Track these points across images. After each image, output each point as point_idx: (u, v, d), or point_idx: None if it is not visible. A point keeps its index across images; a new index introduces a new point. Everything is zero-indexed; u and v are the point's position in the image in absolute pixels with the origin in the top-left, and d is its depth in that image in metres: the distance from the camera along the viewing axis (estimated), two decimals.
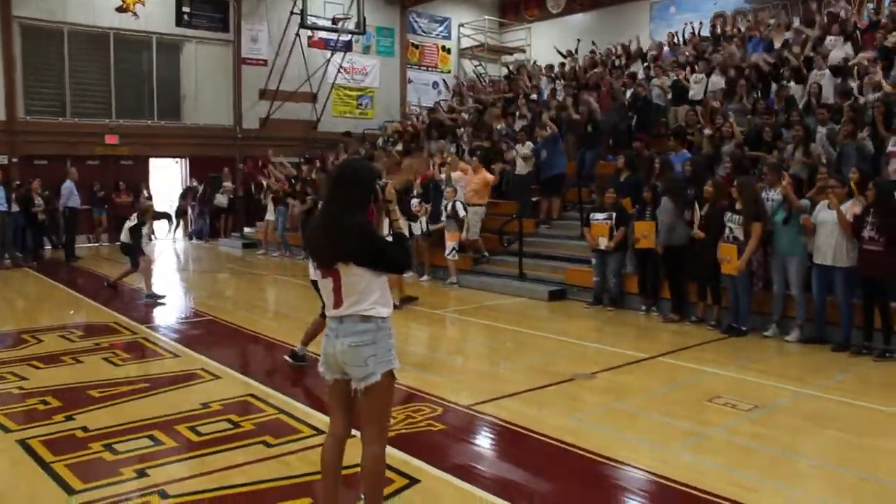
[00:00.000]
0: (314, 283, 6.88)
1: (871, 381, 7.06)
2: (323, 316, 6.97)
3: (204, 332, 9.39)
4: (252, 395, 6.30)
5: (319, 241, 3.47)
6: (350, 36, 23.52)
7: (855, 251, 7.83)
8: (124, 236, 11.59)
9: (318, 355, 3.64)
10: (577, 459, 4.89)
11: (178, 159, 22.62)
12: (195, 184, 21.68)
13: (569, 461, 4.89)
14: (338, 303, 3.43)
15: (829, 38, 14.22)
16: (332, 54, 23.44)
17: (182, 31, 21.83)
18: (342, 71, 24.10)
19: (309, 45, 23.33)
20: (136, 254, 11.42)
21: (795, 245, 8.40)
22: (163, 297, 11.26)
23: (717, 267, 8.87)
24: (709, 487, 4.34)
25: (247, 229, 21.06)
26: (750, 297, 8.80)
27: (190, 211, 21.69)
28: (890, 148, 9.49)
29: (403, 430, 5.34)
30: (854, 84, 11.92)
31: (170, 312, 10.64)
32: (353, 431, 3.63)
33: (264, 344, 8.60)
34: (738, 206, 8.72)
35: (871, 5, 16.74)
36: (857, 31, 14.33)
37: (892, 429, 5.73)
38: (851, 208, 7.87)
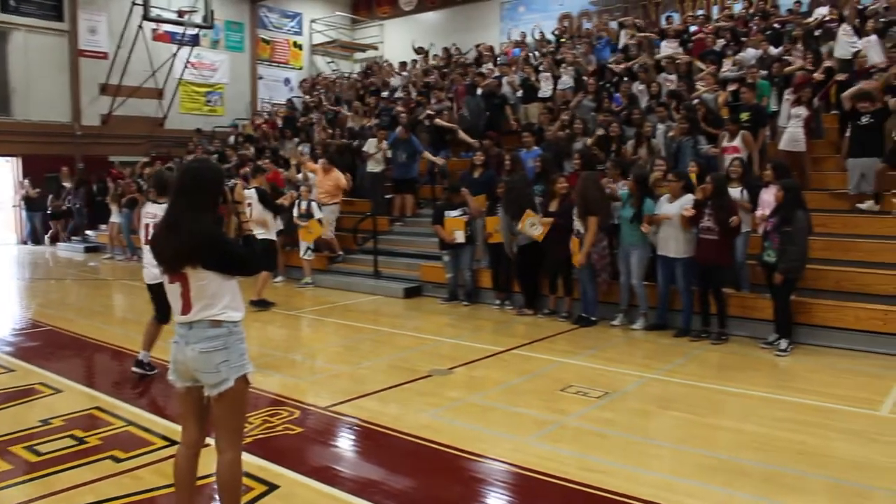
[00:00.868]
0: (150, 287, 6.63)
1: (710, 364, 7.50)
2: (158, 319, 6.75)
3: (42, 343, 8.72)
4: (98, 408, 5.94)
5: (165, 244, 3.32)
6: (197, 30, 22.67)
7: (693, 242, 8.33)
8: None
9: (167, 361, 3.51)
10: (437, 455, 4.92)
11: (8, 158, 20.89)
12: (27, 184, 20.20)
13: (429, 457, 4.92)
14: (186, 308, 3.31)
15: (665, 41, 15.11)
16: (179, 48, 22.52)
17: (8, 18, 20.21)
18: (189, 66, 23.26)
19: (153, 39, 22.36)
20: None
21: (638, 237, 8.83)
22: None
23: (568, 260, 9.22)
24: (564, 474, 4.49)
25: (89, 232, 19.84)
26: (595, 289, 9.19)
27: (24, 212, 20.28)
28: (724, 144, 10.16)
29: (260, 436, 5.21)
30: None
31: (0, 324, 9.93)
32: (208, 440, 3.53)
33: (110, 353, 8.14)
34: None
35: (700, 11, 17.89)
36: (689, 35, 15.33)
37: (730, 407, 6.11)
38: (689, 202, 8.36)
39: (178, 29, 22.20)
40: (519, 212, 9.46)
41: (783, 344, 7.73)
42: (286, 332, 9.59)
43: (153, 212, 6.46)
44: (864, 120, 9.68)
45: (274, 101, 24.15)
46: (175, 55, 22.57)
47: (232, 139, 20.50)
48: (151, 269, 6.39)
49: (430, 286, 11.58)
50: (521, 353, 7.91)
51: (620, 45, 16.06)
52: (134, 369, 6.93)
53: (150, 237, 6.32)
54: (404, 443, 5.18)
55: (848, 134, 10.11)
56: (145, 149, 21.65)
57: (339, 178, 13.44)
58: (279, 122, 19.38)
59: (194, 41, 23.01)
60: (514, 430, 5.45)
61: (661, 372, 7.07)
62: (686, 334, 8.43)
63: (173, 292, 3.35)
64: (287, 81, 26.38)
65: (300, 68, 27.27)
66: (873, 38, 12.05)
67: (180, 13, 21.64)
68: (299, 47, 27.47)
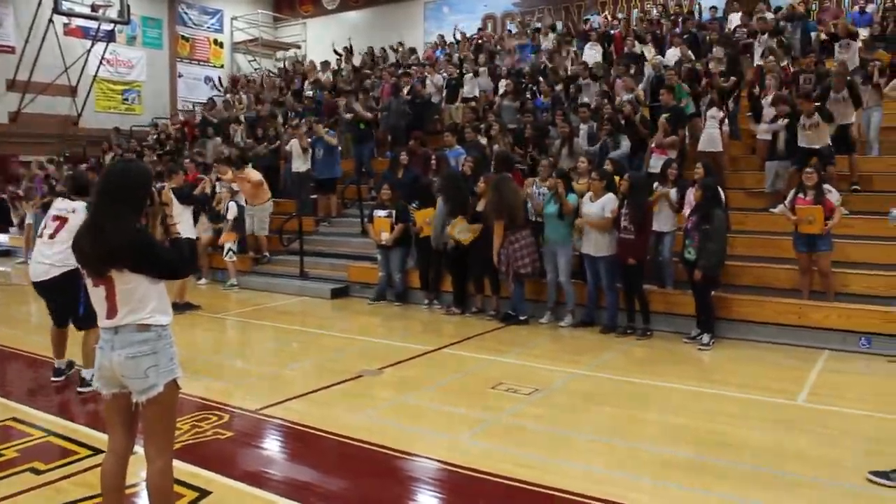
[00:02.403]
0: (36, 286, 6.36)
1: (636, 359, 7.66)
2: (57, 324, 6.52)
3: None
4: (14, 419, 5.65)
5: (90, 248, 3.18)
6: (113, 25, 21.85)
7: (615, 241, 8.51)
8: None
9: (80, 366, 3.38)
10: (370, 455, 4.88)
11: None
12: None
13: (361, 458, 4.87)
14: (112, 312, 3.19)
15: (588, 44, 15.41)
16: (93, 44, 21.70)
17: None
18: (105, 63, 22.42)
19: (65, 33, 21.51)
20: None
21: (564, 235, 8.96)
22: None
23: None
24: (496, 470, 4.51)
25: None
26: (519, 287, 9.27)
27: None
28: (653, 144, 10.40)
29: (190, 441, 5.07)
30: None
31: None
32: (136, 447, 3.43)
33: (26, 361, 7.76)
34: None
35: (621, 15, 18.31)
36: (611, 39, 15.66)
37: (656, 400, 6.25)
38: (611, 201, 8.54)
39: (92, 24, 21.39)
40: (459, 205, 9.46)
41: (705, 338, 7.96)
42: (212, 335, 9.39)
43: (63, 207, 6.23)
44: (779, 123, 10.04)
45: (195, 99, 23.55)
46: (89, 51, 21.74)
47: (151, 138, 19.95)
48: (37, 265, 6.18)
49: (357, 287, 11.51)
50: (451, 353, 7.93)
51: (543, 47, 16.28)
52: (53, 379, 6.67)
53: (54, 233, 6.15)
54: (336, 444, 5.12)
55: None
56: (58, 148, 20.75)
57: (250, 173, 13.02)
58: (198, 122, 18.94)
59: (109, 37, 22.18)
60: (447, 429, 5.45)
61: (589, 368, 7.19)
62: (612, 331, 8.60)
63: (97, 296, 3.22)
64: (208, 79, 25.80)
65: (221, 66, 26.71)
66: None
67: (94, 7, 20.67)
68: (220, 45, 26.89)
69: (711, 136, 10.71)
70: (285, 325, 9.62)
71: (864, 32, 12.82)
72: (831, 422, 5.59)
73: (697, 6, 17.98)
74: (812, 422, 5.60)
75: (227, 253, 12.34)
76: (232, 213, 12.34)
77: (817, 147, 9.49)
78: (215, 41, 26.75)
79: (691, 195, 8.43)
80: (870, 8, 14.78)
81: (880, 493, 4.22)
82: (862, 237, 8.81)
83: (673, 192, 8.81)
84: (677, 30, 15.43)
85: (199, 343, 8.81)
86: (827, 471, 4.58)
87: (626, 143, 10.62)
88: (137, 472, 3.34)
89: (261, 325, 9.72)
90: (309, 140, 13.82)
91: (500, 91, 14.39)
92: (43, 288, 6.31)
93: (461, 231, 9.46)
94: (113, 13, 21.01)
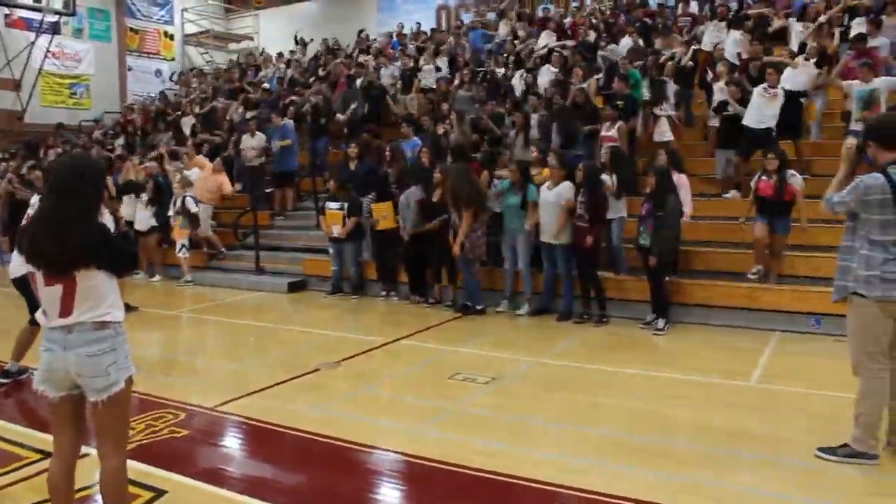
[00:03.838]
0: (16, 281, 6.22)
1: (593, 345, 7.71)
2: (33, 323, 6.36)
3: None
4: None
5: (50, 245, 3.07)
6: (57, 17, 21.31)
7: (572, 229, 8.55)
8: None
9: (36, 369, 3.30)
10: (330, 449, 4.86)
11: None
12: None
13: (322, 452, 4.84)
14: (67, 311, 3.11)
15: (544, 33, 15.48)
16: (37, 36, 21.17)
17: None
18: (50, 56, 21.86)
19: (6, 25, 20.95)
20: None
21: (522, 224, 8.98)
22: None
23: (450, 249, 9.28)
24: (456, 460, 4.52)
25: None
26: (474, 277, 9.28)
27: None
28: (603, 133, 10.48)
29: (144, 441, 4.98)
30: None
31: None
32: (85, 449, 3.36)
33: None
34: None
35: (574, 4, 18.42)
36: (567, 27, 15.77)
37: (614, 386, 6.30)
38: (567, 189, 8.59)
39: (36, 15, 20.82)
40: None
41: (661, 323, 8.06)
42: (167, 332, 9.24)
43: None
44: (731, 110, 10.20)
45: (146, 93, 23.12)
46: (33, 43, 21.22)
47: (98, 133, 19.54)
48: (16, 262, 6.03)
49: (314, 280, 11.43)
50: (409, 343, 7.92)
51: (498, 37, 16.31)
52: (1, 381, 6.52)
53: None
54: (295, 439, 5.08)
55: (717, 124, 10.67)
56: (2, 144, 20.25)
57: (226, 183, 12.98)
58: (151, 115, 18.61)
59: (55, 29, 21.61)
60: (406, 420, 5.45)
61: (547, 355, 7.24)
62: (569, 318, 8.66)
63: (50, 296, 3.13)
64: (158, 73, 25.35)
65: (172, 59, 26.26)
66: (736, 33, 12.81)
67: None
68: (171, 37, 26.42)
69: (667, 123, 10.82)
70: (242, 320, 9.52)
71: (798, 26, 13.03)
72: (782, 401, 5.71)
73: None
74: (764, 402, 5.70)
75: (180, 249, 12.16)
76: (190, 208, 12.14)
77: (763, 128, 9.72)
78: (166, 33, 26.28)
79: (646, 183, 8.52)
80: None
81: (828, 468, 4.33)
82: (811, 220, 8.98)
83: (609, 179, 8.85)
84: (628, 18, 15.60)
85: (154, 341, 8.67)
86: (778, 449, 4.68)
87: (580, 130, 10.66)
88: (89, 473, 3.26)
89: (217, 321, 9.61)
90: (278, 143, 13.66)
91: (456, 81, 14.38)
92: (24, 283, 6.17)
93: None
94: (58, 4, 20.45)
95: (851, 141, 4.45)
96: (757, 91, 9.95)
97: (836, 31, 12.54)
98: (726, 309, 8.29)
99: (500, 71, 14.16)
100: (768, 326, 8.00)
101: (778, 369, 6.63)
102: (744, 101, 10.11)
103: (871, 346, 4.23)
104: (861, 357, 4.28)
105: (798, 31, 12.48)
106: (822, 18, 12.35)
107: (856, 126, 8.96)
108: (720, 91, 10.70)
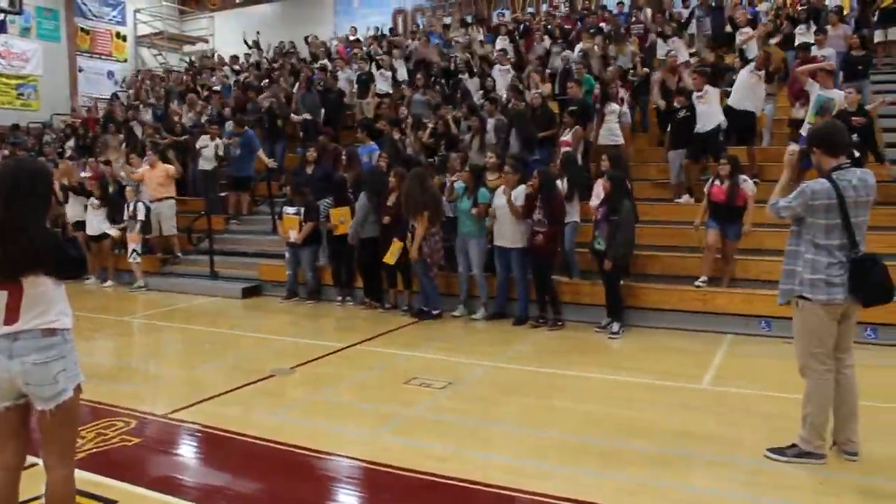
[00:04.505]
0: None
1: (548, 349, 7.76)
2: None
3: None
4: None
5: (4, 252, 2.99)
6: (3, 15, 20.70)
7: (528, 233, 8.58)
8: None
9: None
10: (285, 455, 4.81)
11: None
12: None
13: (275, 459, 4.78)
14: (12, 318, 3.02)
15: (499, 38, 15.59)
16: None
17: None
18: None
19: None
20: None
21: (476, 228, 9.01)
22: None
23: (405, 254, 9.28)
24: (412, 465, 4.50)
25: None
26: (432, 282, 9.27)
27: None
28: (562, 138, 10.57)
29: (94, 450, 4.87)
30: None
31: None
32: (31, 460, 3.29)
33: None
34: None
35: (530, 9, 18.58)
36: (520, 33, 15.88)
37: (569, 389, 6.36)
38: (522, 193, 8.64)
39: None
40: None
41: (615, 327, 8.14)
42: (119, 338, 9.07)
43: None
44: (681, 115, 10.35)
45: (97, 95, 22.65)
46: None
47: (47, 137, 19.11)
48: None
49: (269, 285, 11.32)
50: (364, 349, 7.89)
51: (454, 41, 16.36)
52: None
53: None
54: (250, 446, 5.03)
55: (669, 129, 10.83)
56: None
57: (168, 167, 12.71)
58: (101, 118, 18.26)
59: (0, 28, 21.04)
60: (362, 426, 5.42)
61: (502, 359, 7.25)
62: (524, 322, 8.70)
63: None
64: (111, 74, 24.86)
65: (125, 61, 25.75)
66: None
67: None
68: (123, 38, 25.89)
69: (611, 129, 10.93)
70: (195, 326, 9.40)
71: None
72: (733, 403, 5.80)
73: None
74: (716, 403, 5.80)
75: (131, 254, 11.94)
76: (140, 213, 11.94)
77: (709, 129, 9.89)
78: (118, 34, 25.72)
79: (599, 187, 8.60)
80: (763, 6, 15.42)
81: (777, 468, 4.41)
82: (759, 225, 9.14)
83: (563, 183, 8.93)
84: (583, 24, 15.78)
85: (105, 347, 8.52)
86: (729, 449, 4.76)
87: (535, 135, 10.69)
88: (34, 485, 3.19)
89: (170, 326, 9.48)
90: (225, 138, 13.50)
91: (410, 83, 14.40)
92: None
93: (392, 254, 9.38)
94: (3, 2, 19.78)
95: (794, 147, 4.58)
96: (695, 96, 10.13)
97: (776, 39, 12.83)
98: (679, 312, 8.40)
99: (466, 77, 14.16)
100: (721, 329, 8.12)
101: (729, 371, 6.75)
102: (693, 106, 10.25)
103: (816, 347, 4.32)
104: (807, 359, 4.38)
105: (738, 39, 12.73)
106: (759, 30, 12.62)
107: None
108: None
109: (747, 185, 8.43)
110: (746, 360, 7.22)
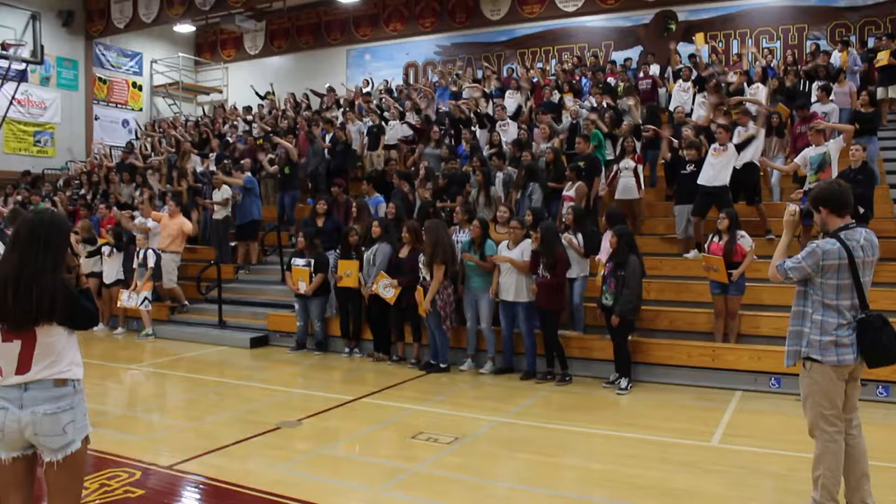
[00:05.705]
0: None
1: (556, 405, 7.71)
2: None
3: None
4: None
5: (16, 301, 3.02)
6: (25, 65, 21.18)
7: (533, 287, 8.60)
8: None
9: None
10: None
11: None
12: None
13: None
14: (24, 368, 3.05)
15: (508, 92, 15.78)
16: (3, 83, 20.96)
17: None
18: (15, 103, 21.67)
19: None
20: None
21: (485, 282, 9.03)
22: None
23: (415, 307, 9.30)
24: None
25: None
26: (444, 335, 9.25)
27: None
28: (564, 193, 10.62)
29: (98, 501, 4.85)
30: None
31: None
32: None
33: None
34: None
35: (539, 65, 18.82)
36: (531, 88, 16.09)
37: (576, 446, 6.32)
38: (529, 247, 8.68)
39: (3, 63, 20.68)
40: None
41: (623, 383, 8.09)
42: (125, 387, 9.08)
43: None
44: (689, 169, 10.40)
45: (112, 142, 22.94)
46: None
47: (61, 182, 19.36)
48: None
49: (277, 335, 11.32)
50: (371, 402, 7.85)
51: (465, 95, 16.55)
52: None
53: None
54: (254, 500, 4.98)
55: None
56: None
57: (185, 223, 12.92)
58: (116, 165, 18.48)
59: (21, 77, 21.42)
60: (367, 481, 5.38)
61: (509, 415, 7.20)
62: (532, 377, 8.66)
63: (8, 352, 3.07)
64: (126, 123, 25.19)
65: (140, 109, 26.13)
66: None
67: (4, 46, 19.88)
68: (139, 88, 26.33)
69: (626, 184, 11.05)
70: (203, 375, 9.38)
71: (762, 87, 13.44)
72: (744, 461, 5.73)
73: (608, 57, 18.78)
74: (726, 462, 5.73)
75: (142, 302, 11.99)
76: (150, 260, 12.03)
77: (717, 185, 9.89)
78: (134, 84, 26.16)
79: (607, 242, 8.63)
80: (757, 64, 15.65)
81: None
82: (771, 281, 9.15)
83: (573, 238, 8.99)
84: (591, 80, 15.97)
85: (112, 396, 8.52)
86: None
87: (538, 191, 10.74)
88: None
89: (177, 376, 9.47)
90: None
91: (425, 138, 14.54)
92: None
93: (385, 287, 9.43)
94: (25, 53, 20.31)
95: (793, 208, 4.58)
96: (714, 146, 10.17)
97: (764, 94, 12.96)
98: (689, 368, 8.35)
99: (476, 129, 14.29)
100: (730, 385, 8.06)
101: (739, 429, 6.66)
102: (701, 161, 10.28)
103: (827, 409, 4.29)
104: (817, 420, 4.33)
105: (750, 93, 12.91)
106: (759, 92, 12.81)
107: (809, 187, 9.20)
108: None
109: (745, 240, 8.47)
110: (756, 417, 7.14)
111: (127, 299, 12.02)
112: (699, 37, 17.15)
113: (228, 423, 7.09)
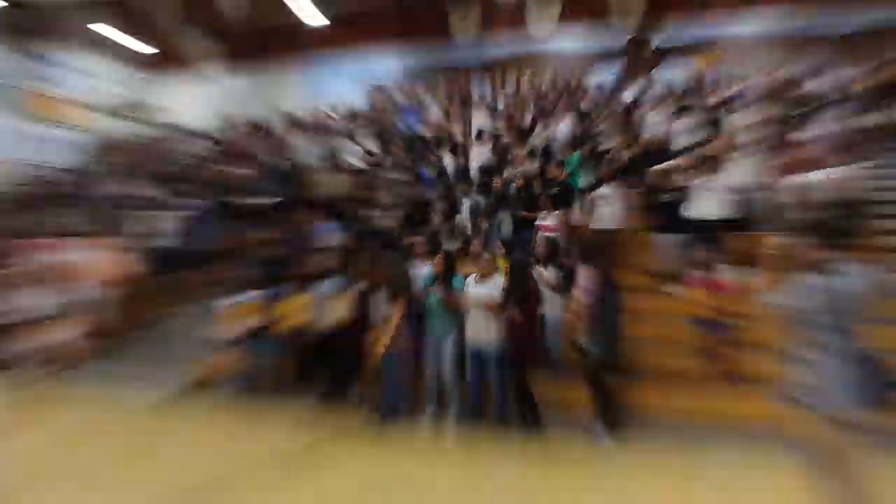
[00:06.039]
0: None
1: (526, 459, 6.97)
2: None
3: None
4: None
5: None
6: None
7: (504, 327, 7.77)
8: None
9: None
10: None
11: None
12: None
13: None
14: None
15: (476, 115, 15.17)
16: None
17: None
18: None
19: None
20: None
21: (448, 323, 8.17)
22: None
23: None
24: None
25: None
26: (400, 380, 8.30)
27: None
28: (538, 222, 9.87)
29: None
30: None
31: None
32: None
33: None
34: None
35: (510, 87, 18.37)
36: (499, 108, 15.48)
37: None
38: (500, 283, 7.88)
39: None
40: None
41: (602, 431, 7.31)
42: None
43: None
44: (666, 197, 9.74)
45: (53, 164, 21.75)
46: None
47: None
48: None
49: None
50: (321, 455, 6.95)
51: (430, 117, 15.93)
52: None
53: None
54: None
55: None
56: None
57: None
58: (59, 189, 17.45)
59: None
60: None
61: (476, 472, 6.51)
62: (501, 426, 7.73)
63: None
64: (71, 144, 23.90)
65: (87, 130, 24.88)
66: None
67: None
68: (85, 106, 25.06)
69: (603, 214, 10.29)
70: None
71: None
72: None
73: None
74: None
75: None
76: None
77: (704, 218, 9.26)
78: (79, 102, 24.83)
79: (582, 276, 7.83)
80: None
81: None
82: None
83: (545, 272, 8.30)
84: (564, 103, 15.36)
85: None
86: None
87: (509, 222, 9.99)
88: None
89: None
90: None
91: (388, 162, 13.81)
92: None
93: None
94: None
95: (775, 241, 4.20)
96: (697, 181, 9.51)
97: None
98: (673, 411, 7.56)
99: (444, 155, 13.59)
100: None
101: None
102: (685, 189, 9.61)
103: None
104: None
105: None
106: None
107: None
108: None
109: (725, 274, 7.93)
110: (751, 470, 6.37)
111: None
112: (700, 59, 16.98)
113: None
